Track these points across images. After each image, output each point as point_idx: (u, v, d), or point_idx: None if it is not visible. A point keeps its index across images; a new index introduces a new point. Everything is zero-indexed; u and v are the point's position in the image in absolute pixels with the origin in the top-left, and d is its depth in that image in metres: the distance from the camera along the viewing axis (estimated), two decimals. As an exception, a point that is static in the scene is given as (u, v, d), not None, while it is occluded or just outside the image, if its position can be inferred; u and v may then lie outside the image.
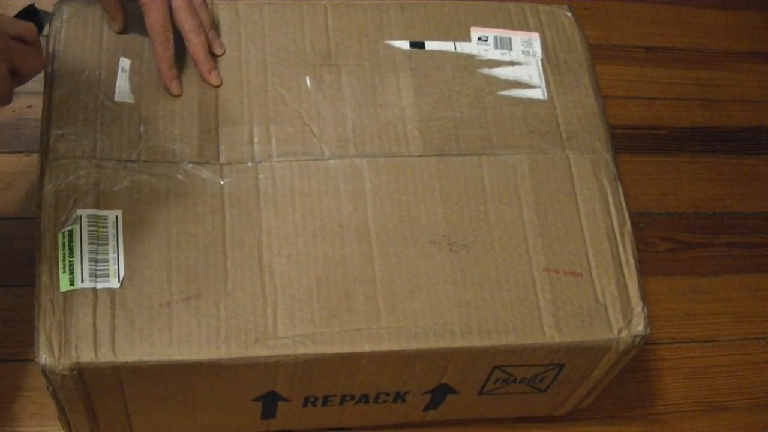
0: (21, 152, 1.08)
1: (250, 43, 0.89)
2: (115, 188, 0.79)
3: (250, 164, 0.83)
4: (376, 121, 0.87)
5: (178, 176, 0.81)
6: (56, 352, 0.73)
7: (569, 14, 0.97)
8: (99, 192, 0.79)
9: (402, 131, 0.87)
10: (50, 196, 0.78)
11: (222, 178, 0.82)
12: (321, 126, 0.86)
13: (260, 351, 0.76)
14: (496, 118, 0.89)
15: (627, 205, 0.88)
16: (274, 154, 0.84)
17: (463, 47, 0.93)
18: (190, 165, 0.82)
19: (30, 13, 0.80)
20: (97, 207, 0.78)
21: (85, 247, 0.77)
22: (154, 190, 0.80)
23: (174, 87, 0.84)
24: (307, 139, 0.85)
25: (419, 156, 0.86)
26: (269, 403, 0.85)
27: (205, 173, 0.82)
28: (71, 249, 0.76)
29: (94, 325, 0.74)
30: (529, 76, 0.92)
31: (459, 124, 0.88)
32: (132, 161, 0.81)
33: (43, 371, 0.74)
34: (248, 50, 0.88)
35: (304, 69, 0.88)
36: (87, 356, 0.74)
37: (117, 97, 0.84)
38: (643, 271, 0.86)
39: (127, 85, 0.84)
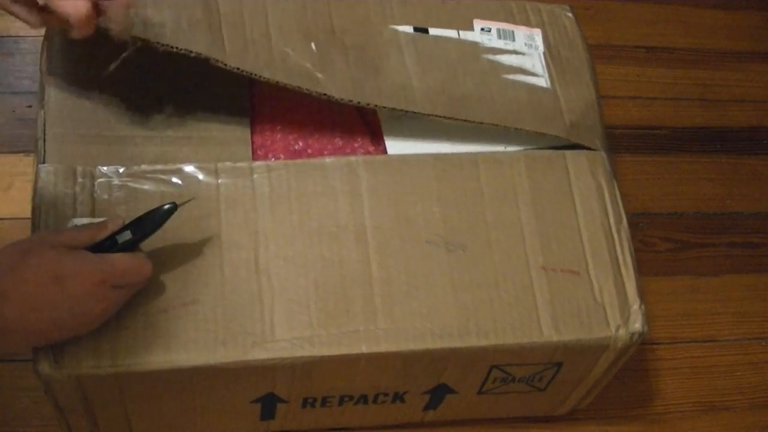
0: (21, 152, 1.08)
1: (253, 19, 0.87)
2: (111, 196, 0.79)
3: (246, 168, 0.82)
4: (384, 82, 0.86)
5: (173, 179, 0.81)
6: (55, 361, 0.73)
7: (570, 14, 0.98)
8: (95, 200, 0.79)
9: (410, 94, 0.86)
10: (46, 203, 0.78)
11: (218, 179, 0.81)
12: (327, 77, 0.84)
13: (258, 354, 0.76)
14: (502, 98, 0.88)
15: (627, 205, 0.88)
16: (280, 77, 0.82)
17: (467, 35, 0.93)
18: (189, 167, 0.82)
19: None
20: (93, 215, 0.78)
21: None
22: (150, 195, 0.80)
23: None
24: (314, 82, 0.83)
25: (416, 155, 0.85)
26: (268, 404, 0.85)
27: (201, 175, 0.81)
28: None
29: (92, 332, 0.74)
30: (532, 65, 0.92)
31: (466, 99, 0.87)
32: (128, 167, 0.81)
33: (43, 380, 0.74)
34: (252, 23, 0.87)
35: (308, 39, 0.87)
36: (86, 365, 0.73)
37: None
38: (643, 271, 0.86)
39: None
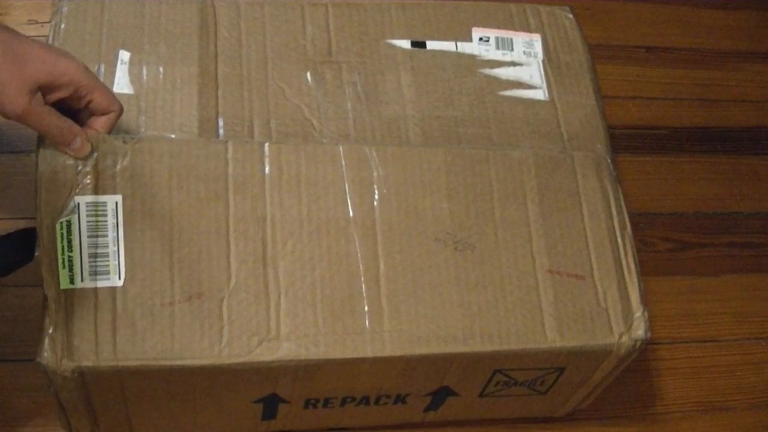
0: (21, 152, 1.07)
1: (251, 39, 0.88)
2: (115, 168, 0.77)
3: (255, 145, 0.81)
4: (378, 117, 0.86)
5: (181, 152, 0.79)
6: (58, 353, 0.73)
7: (570, 16, 0.97)
8: (98, 172, 0.76)
9: (403, 128, 0.86)
10: (46, 179, 0.75)
11: (227, 155, 0.80)
12: (321, 121, 0.85)
13: (262, 356, 0.75)
14: (497, 118, 0.89)
15: (627, 206, 0.88)
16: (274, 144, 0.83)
17: (465, 47, 0.92)
18: (198, 140, 0.80)
19: (26, 237, 0.76)
20: (96, 192, 0.76)
21: (84, 240, 0.75)
22: (156, 172, 0.78)
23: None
24: (308, 132, 0.84)
25: (426, 146, 0.85)
26: (270, 404, 0.85)
27: (211, 150, 0.79)
28: (70, 242, 0.74)
29: (95, 326, 0.74)
30: (530, 76, 0.92)
31: (460, 123, 0.88)
32: (135, 136, 0.78)
33: (45, 372, 0.74)
34: (249, 45, 0.88)
35: (305, 66, 0.88)
36: (88, 359, 0.73)
37: (116, 89, 0.82)
38: (643, 271, 0.86)
39: (127, 77, 0.83)
